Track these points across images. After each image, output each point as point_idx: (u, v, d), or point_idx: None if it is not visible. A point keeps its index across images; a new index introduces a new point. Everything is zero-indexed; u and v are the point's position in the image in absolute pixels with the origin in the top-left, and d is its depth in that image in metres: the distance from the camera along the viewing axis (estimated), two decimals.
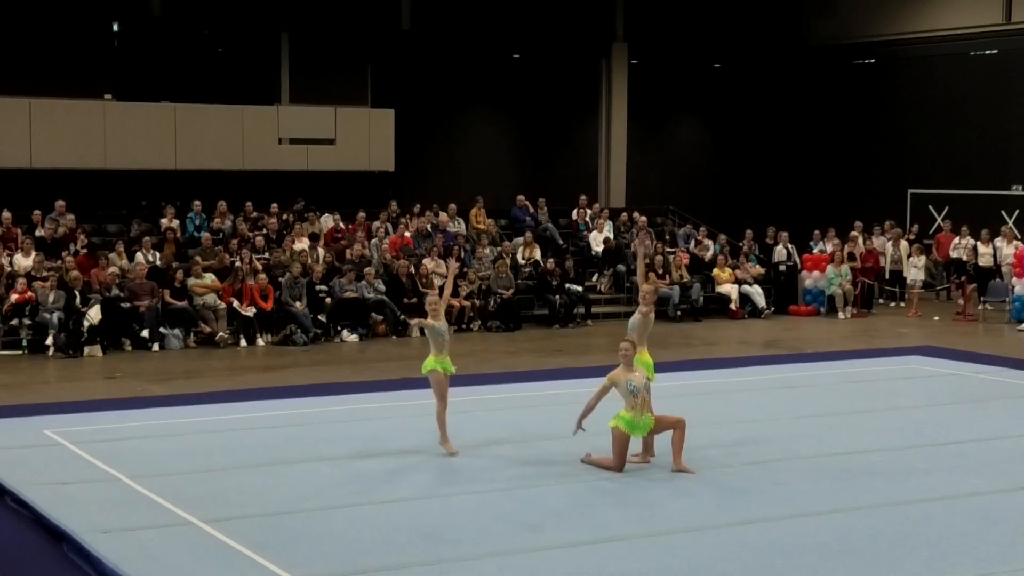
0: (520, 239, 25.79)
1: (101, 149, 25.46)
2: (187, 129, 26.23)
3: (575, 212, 27.94)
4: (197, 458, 12.16)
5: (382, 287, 22.15)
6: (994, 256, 25.87)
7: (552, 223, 27.38)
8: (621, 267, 25.77)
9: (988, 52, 30.56)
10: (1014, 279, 24.49)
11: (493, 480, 11.32)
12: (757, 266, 26.29)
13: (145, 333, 20.13)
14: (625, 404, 11.49)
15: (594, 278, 26.12)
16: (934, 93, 31.59)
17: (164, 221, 23.76)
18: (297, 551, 9.15)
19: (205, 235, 23.19)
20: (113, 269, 20.86)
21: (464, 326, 22.79)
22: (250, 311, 20.94)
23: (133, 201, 25.43)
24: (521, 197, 27.73)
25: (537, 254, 25.25)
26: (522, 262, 24.94)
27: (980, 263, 25.87)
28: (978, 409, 15.18)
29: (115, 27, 26.87)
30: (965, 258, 26.20)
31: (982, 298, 25.47)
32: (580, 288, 24.63)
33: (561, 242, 26.80)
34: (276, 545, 9.27)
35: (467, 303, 22.91)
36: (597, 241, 26.58)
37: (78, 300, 19.70)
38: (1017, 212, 29.03)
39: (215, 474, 11.52)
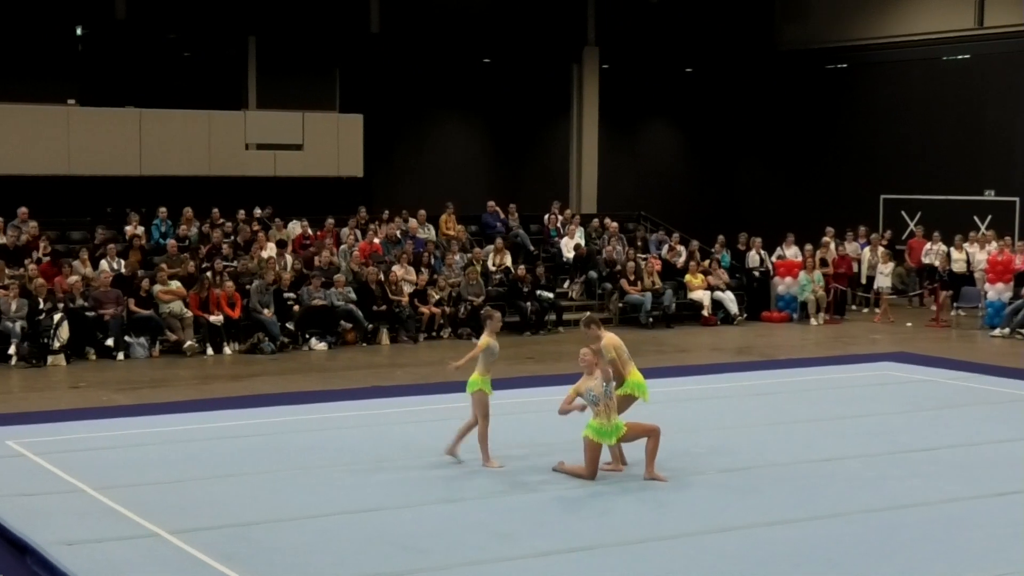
0: (491, 246, 25.78)
1: (65, 155, 25.31)
2: (152, 134, 26.11)
3: (546, 218, 27.96)
4: (163, 468, 12.09)
5: (353, 295, 22.09)
6: (967, 262, 26.03)
7: (523, 229, 27.37)
8: (593, 273, 25.81)
9: (960, 57, 30.77)
10: (987, 285, 24.65)
11: (465, 489, 11.31)
12: (724, 272, 26.33)
13: (110, 342, 20.02)
14: (592, 412, 11.51)
15: (565, 285, 26.14)
16: (906, 98, 31.76)
17: (129, 228, 23.64)
18: (265, 562, 9.11)
19: (171, 242, 23.08)
20: (77, 277, 20.73)
21: (434, 334, 22.78)
22: (218, 318, 20.85)
23: (97, 208, 25.28)
24: (492, 203, 27.72)
25: (508, 261, 25.24)
26: (493, 269, 24.94)
27: (953, 269, 26.02)
28: (952, 415, 15.26)
29: (79, 31, 26.74)
30: (938, 264, 26.35)
31: (955, 304, 25.62)
32: (551, 295, 24.64)
33: (532, 248, 26.79)
34: (244, 557, 9.23)
35: (437, 310, 22.88)
36: (568, 247, 26.60)
37: (42, 308, 19.57)
38: (990, 217, 29.22)
39: (182, 485, 11.46)
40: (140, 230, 23.61)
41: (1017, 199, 29.21)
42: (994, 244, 25.72)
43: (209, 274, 21.45)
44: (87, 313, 20.13)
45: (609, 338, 12.00)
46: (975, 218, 29.25)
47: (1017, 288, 23.97)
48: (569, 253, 26.52)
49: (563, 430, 12.65)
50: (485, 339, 12.27)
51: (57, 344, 19.38)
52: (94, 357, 19.98)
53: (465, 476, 11.81)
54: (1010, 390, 17.03)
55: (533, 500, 10.94)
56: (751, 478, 11.77)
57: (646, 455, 11.66)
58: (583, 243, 26.63)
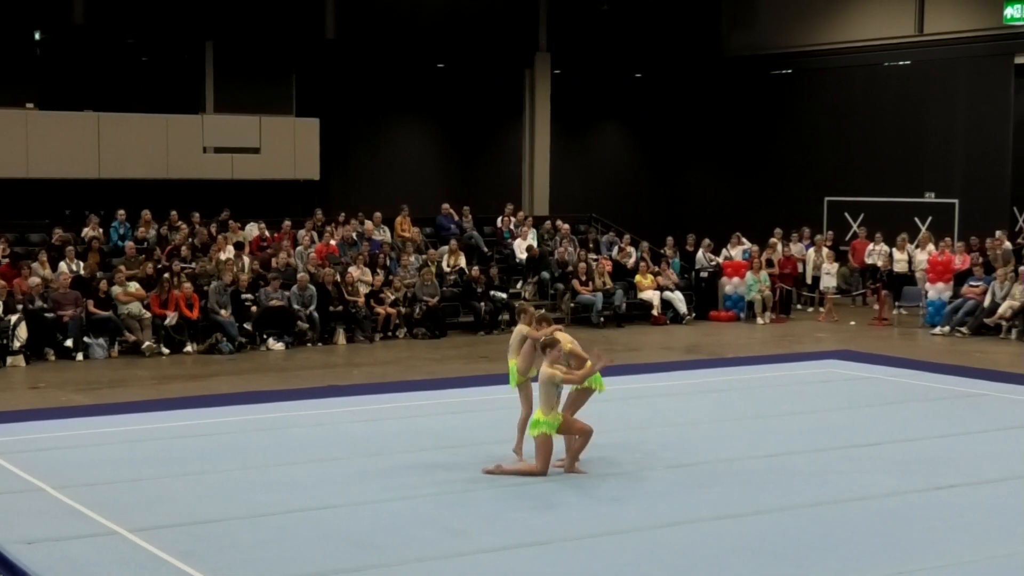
0: (445, 247, 25.77)
1: (23, 158, 25.09)
2: (111, 138, 25.93)
3: (499, 220, 27.98)
4: (122, 467, 12.01)
5: (314, 300, 21.95)
6: (908, 262, 26.25)
7: (477, 231, 27.39)
8: (545, 274, 25.84)
9: (901, 63, 31.00)
10: (927, 284, 24.87)
11: (420, 486, 11.29)
12: (674, 272, 26.43)
13: (69, 343, 19.85)
14: (542, 405, 11.49)
15: (518, 285, 26.15)
16: (849, 103, 31.98)
17: (88, 230, 23.47)
18: (224, 559, 9.07)
19: (129, 244, 22.93)
20: (36, 279, 20.53)
21: (390, 333, 22.73)
22: (172, 317, 20.66)
23: (56, 210, 25.07)
24: (446, 205, 27.71)
25: (462, 262, 25.23)
26: (447, 270, 24.92)
27: (895, 269, 26.22)
28: (893, 411, 15.38)
29: (37, 36, 26.49)
30: (880, 264, 26.54)
31: (897, 303, 25.81)
32: (505, 295, 24.64)
33: (486, 249, 26.81)
34: (202, 553, 9.18)
35: (392, 311, 22.85)
36: (521, 248, 26.63)
37: (0, 310, 19.38)
38: (930, 219, 29.46)
39: (141, 483, 11.38)
40: (99, 232, 23.44)
41: (956, 201, 29.47)
42: (931, 245, 25.94)
43: (167, 275, 21.31)
44: (46, 314, 19.95)
45: (562, 335, 12.05)
46: (916, 219, 29.47)
47: (956, 287, 24.20)
48: (522, 254, 26.56)
49: (516, 427, 12.65)
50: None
51: (16, 344, 19.19)
52: (53, 358, 19.79)
53: (420, 473, 11.78)
54: (950, 386, 17.18)
55: (486, 496, 10.93)
56: (700, 474, 11.82)
57: (572, 451, 11.72)
58: (535, 244, 26.66)
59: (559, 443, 11.75)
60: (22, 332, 19.30)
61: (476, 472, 11.75)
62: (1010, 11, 28.16)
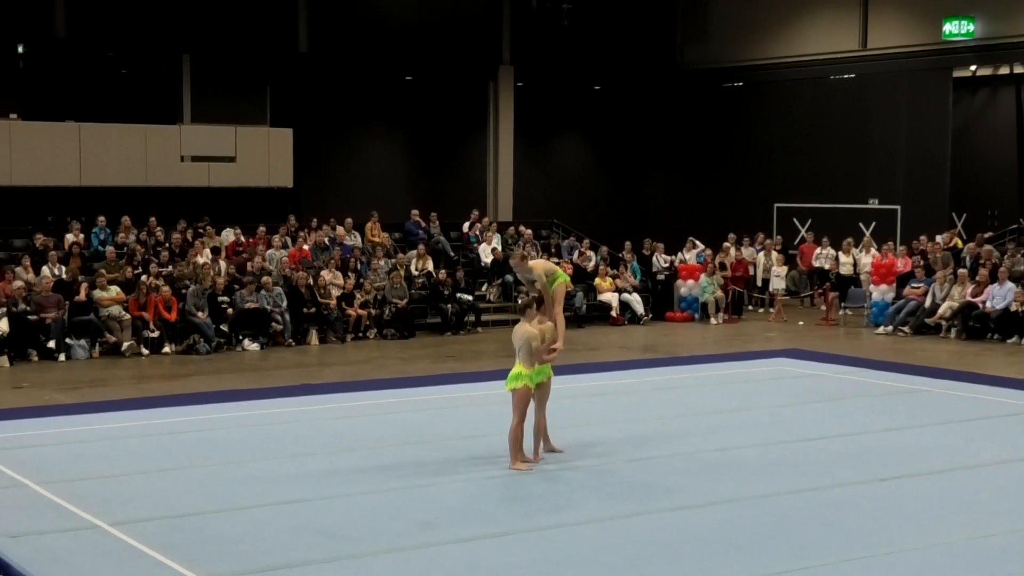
0: (413, 251, 25.73)
1: (7, 166, 24.87)
2: (92, 147, 25.75)
3: (465, 225, 27.96)
4: (103, 463, 11.93)
5: (283, 299, 21.89)
6: (854, 265, 26.40)
7: (444, 236, 27.37)
8: (509, 277, 25.82)
9: (846, 76, 31.20)
10: (872, 286, 25.02)
11: (390, 480, 11.26)
12: (631, 275, 26.47)
13: (52, 344, 19.71)
14: (523, 360, 11.43)
15: (483, 288, 26.16)
16: (797, 114, 32.15)
17: (70, 236, 23.30)
18: (202, 552, 9.02)
19: (110, 249, 22.78)
20: (19, 282, 20.37)
21: (360, 334, 22.67)
22: (146, 319, 20.53)
23: (39, 217, 24.90)
24: (414, 212, 27.67)
25: (430, 265, 25.19)
26: (415, 273, 24.88)
27: (841, 271, 26.34)
28: (840, 407, 15.46)
29: (20, 49, 26.29)
30: (827, 267, 26.67)
31: (843, 304, 25.94)
32: (470, 297, 24.63)
33: (452, 254, 26.80)
34: (181, 546, 9.13)
35: (363, 312, 22.79)
36: (486, 253, 26.63)
37: None
38: (874, 224, 29.65)
39: (121, 478, 11.31)
40: (80, 237, 23.29)
41: (899, 207, 29.69)
42: (875, 249, 26.10)
43: (145, 279, 21.17)
44: (29, 317, 19.80)
45: (537, 263, 12.19)
46: (860, 224, 29.66)
47: (899, 289, 24.36)
48: (487, 258, 26.56)
49: (482, 424, 12.66)
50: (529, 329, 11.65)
51: None
52: (36, 359, 19.63)
53: (391, 467, 11.76)
54: (893, 383, 17.29)
55: (454, 489, 10.91)
56: (657, 467, 11.84)
57: (541, 430, 11.82)
58: (500, 249, 26.66)
59: (527, 440, 11.75)
60: (4, 325, 19.10)
61: (443, 466, 11.74)
62: (949, 27, 28.39)
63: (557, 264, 12.49)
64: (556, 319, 11.76)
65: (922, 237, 26.62)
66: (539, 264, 12.38)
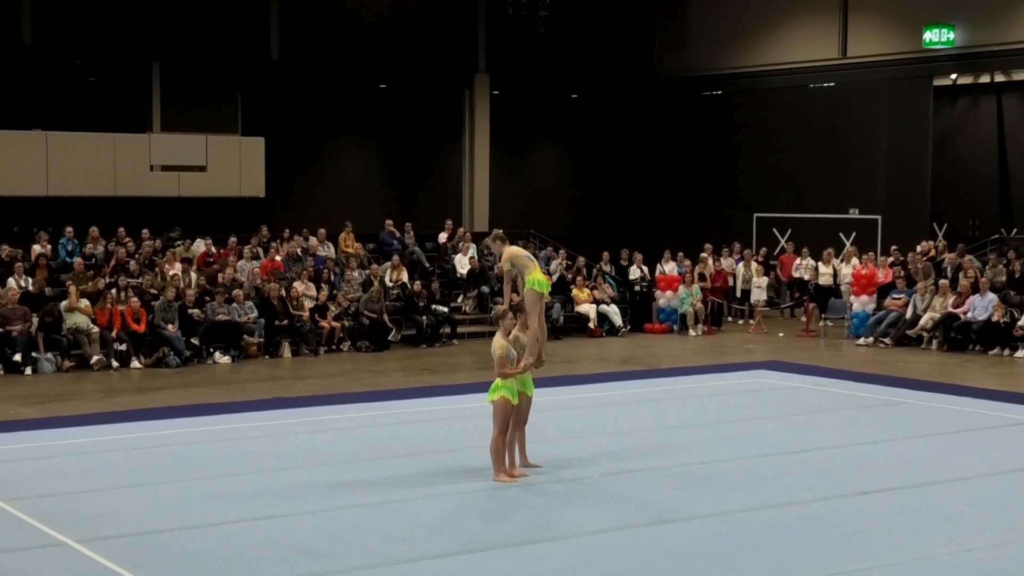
0: (388, 262, 25.69)
1: None
2: (59, 156, 25.65)
3: (441, 236, 27.95)
4: (70, 479, 11.87)
5: (253, 310, 21.84)
6: (834, 276, 26.48)
7: (419, 246, 27.34)
8: (485, 288, 25.83)
9: (826, 84, 31.35)
10: (852, 297, 25.12)
11: (364, 495, 11.25)
12: (609, 286, 26.50)
13: (18, 357, 19.59)
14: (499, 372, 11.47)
15: (459, 299, 26.13)
16: (777, 123, 32.28)
17: (36, 247, 23.18)
18: (172, 569, 8.98)
19: (78, 260, 22.67)
20: None
21: (334, 347, 22.62)
22: (117, 340, 20.43)
23: (5, 227, 24.75)
24: (389, 222, 27.65)
25: (404, 277, 25.16)
26: (390, 284, 24.84)
27: (821, 282, 26.43)
28: (820, 419, 15.52)
29: None
30: (807, 277, 26.76)
31: (823, 315, 26.03)
32: (446, 309, 24.61)
33: (427, 265, 26.77)
34: (150, 563, 9.09)
35: (336, 324, 22.74)
36: (462, 264, 26.61)
37: None
38: (854, 234, 29.77)
39: (89, 495, 11.25)
40: (47, 248, 23.17)
41: (879, 217, 29.81)
42: (856, 260, 26.19)
43: (114, 291, 21.07)
44: None
45: (510, 249, 12.12)
46: (841, 235, 29.77)
47: (880, 300, 24.47)
48: (463, 269, 26.54)
49: (459, 437, 12.64)
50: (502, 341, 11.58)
51: None
52: (2, 372, 19.51)
53: (365, 482, 11.74)
54: (874, 395, 17.36)
55: (430, 505, 10.90)
56: (635, 480, 11.85)
57: (520, 445, 11.83)
58: (476, 258, 26.65)
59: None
60: None
61: (418, 481, 11.72)
62: (929, 35, 28.54)
63: (534, 261, 12.14)
64: (530, 331, 11.69)
65: (893, 248, 26.78)
66: (512, 251, 12.19)
